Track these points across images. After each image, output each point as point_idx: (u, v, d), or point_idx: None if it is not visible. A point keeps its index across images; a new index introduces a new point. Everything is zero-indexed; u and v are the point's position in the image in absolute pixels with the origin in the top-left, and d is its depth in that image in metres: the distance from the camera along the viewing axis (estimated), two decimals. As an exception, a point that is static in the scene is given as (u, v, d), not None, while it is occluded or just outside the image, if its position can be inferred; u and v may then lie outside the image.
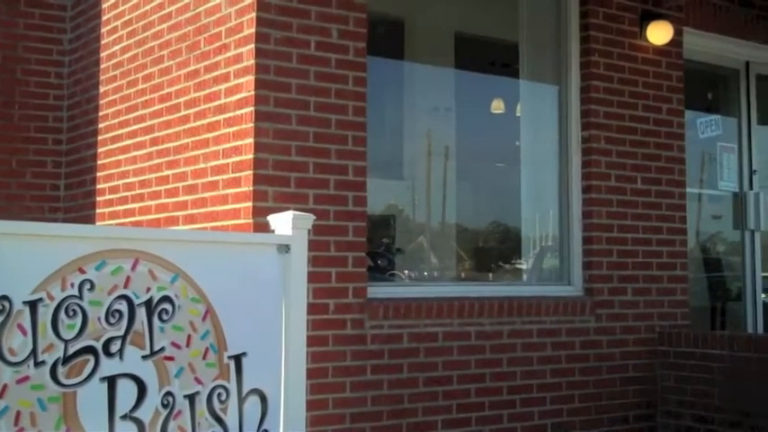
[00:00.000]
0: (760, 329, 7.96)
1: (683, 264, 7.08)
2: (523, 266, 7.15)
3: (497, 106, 7.36)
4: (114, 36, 6.86)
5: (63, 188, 7.35)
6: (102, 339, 3.82)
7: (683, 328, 6.94)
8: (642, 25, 6.98)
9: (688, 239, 7.23)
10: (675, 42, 7.12)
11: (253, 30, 5.30)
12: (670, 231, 7.01)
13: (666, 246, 6.98)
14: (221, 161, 5.49)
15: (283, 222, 4.48)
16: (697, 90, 8.00)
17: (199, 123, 5.75)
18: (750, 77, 8.22)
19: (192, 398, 4.04)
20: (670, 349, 6.75)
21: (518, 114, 7.23)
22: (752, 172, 8.13)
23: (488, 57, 7.39)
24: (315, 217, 4.68)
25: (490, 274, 7.23)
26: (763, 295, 8.14)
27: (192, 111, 5.83)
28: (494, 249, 7.37)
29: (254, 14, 5.30)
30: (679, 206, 7.10)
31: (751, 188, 8.08)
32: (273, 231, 4.56)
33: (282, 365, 4.31)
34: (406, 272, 6.78)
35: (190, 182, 5.79)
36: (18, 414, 3.58)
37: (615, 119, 6.81)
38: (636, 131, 6.90)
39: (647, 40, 6.98)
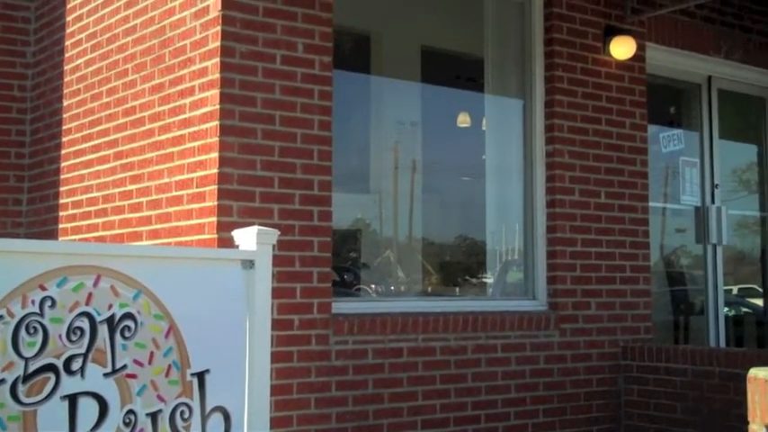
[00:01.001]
0: (722, 343, 8.02)
1: (646, 278, 7.13)
2: (489, 280, 7.17)
3: (463, 120, 7.37)
4: (78, 49, 6.81)
5: (25, 203, 7.27)
6: (64, 357, 3.78)
7: (646, 342, 6.98)
8: (605, 40, 7.04)
9: (651, 253, 7.28)
10: (638, 57, 7.19)
11: (218, 43, 5.28)
12: (633, 245, 7.06)
13: (630, 260, 7.03)
14: (186, 175, 5.46)
15: (248, 237, 4.47)
16: (660, 104, 8.07)
17: (163, 137, 5.72)
18: (712, 92, 8.30)
19: (154, 416, 4.01)
20: (633, 363, 6.79)
21: (483, 128, 7.25)
22: (714, 186, 8.20)
23: (454, 71, 7.41)
24: (279, 232, 4.67)
25: (456, 289, 7.24)
26: (725, 309, 8.21)
27: (156, 125, 5.80)
28: (460, 263, 7.38)
29: (219, 28, 5.28)
30: (642, 220, 7.15)
31: (713, 202, 8.14)
32: (238, 247, 4.55)
33: (246, 382, 4.29)
34: (373, 286, 6.77)
35: (154, 196, 5.75)
36: (-23, 433, 3.55)
37: (579, 133, 6.85)
38: (599, 146, 6.94)
39: (610, 55, 7.04)
